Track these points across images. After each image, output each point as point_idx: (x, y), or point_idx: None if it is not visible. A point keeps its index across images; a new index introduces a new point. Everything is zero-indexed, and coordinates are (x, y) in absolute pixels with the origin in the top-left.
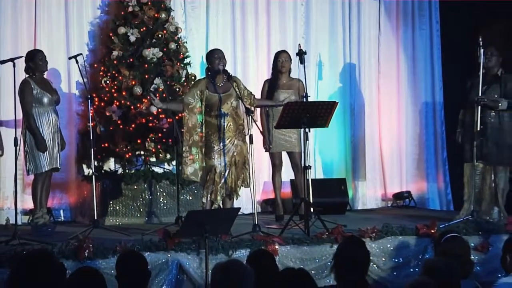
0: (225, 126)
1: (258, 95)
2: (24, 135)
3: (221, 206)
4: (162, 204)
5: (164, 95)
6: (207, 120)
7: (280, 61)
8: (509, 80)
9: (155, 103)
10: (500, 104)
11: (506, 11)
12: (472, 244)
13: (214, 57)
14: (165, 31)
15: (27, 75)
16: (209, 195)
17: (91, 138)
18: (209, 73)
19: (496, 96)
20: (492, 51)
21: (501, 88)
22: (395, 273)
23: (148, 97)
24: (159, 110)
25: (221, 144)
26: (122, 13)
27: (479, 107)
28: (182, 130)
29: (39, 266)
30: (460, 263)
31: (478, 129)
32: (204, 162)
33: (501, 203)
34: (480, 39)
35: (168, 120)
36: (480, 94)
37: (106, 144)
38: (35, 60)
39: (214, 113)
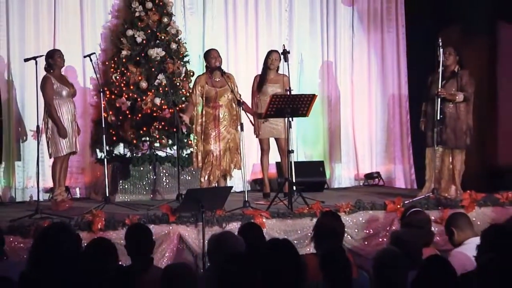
0: (221, 116)
1: (249, 88)
2: (46, 123)
3: (217, 185)
4: (164, 183)
5: (166, 89)
6: (206, 110)
7: (270, 59)
8: (465, 75)
9: (184, 118)
10: (457, 97)
11: (463, 17)
12: (433, 217)
13: (211, 57)
14: (167, 33)
15: (46, 72)
16: (206, 176)
17: (103, 126)
18: (208, 70)
19: (453, 89)
20: (450, 50)
21: (457, 83)
22: (366, 243)
23: (180, 121)
24: (162, 101)
25: (217, 132)
26: (130, 17)
27: (439, 99)
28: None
29: (58, 237)
30: (422, 233)
31: (438, 118)
32: (202, 147)
33: (458, 182)
34: (440, 40)
35: (170, 110)
36: (439, 88)
37: (116, 131)
38: (54, 57)
39: (212, 104)
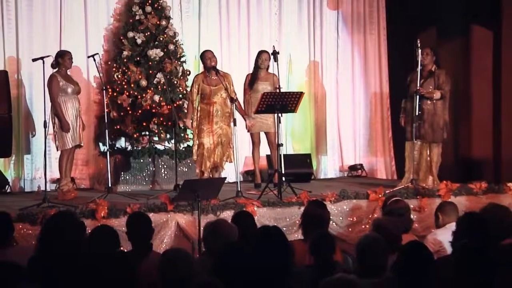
0: (214, 112)
1: (241, 85)
2: (53, 118)
3: (211, 176)
4: (163, 175)
5: (164, 87)
6: (201, 106)
7: (261, 59)
8: (441, 75)
9: (187, 124)
10: (434, 95)
11: (439, 20)
12: (412, 206)
13: (206, 57)
14: (165, 35)
15: (54, 70)
16: (199, 167)
17: (106, 121)
18: (205, 69)
19: (431, 87)
20: (427, 51)
21: (434, 81)
22: (350, 229)
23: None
24: (160, 98)
25: (210, 127)
26: (131, 20)
27: (418, 97)
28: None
29: (64, 224)
30: (402, 221)
31: (417, 114)
32: (197, 140)
33: (435, 173)
34: (418, 41)
35: (168, 107)
36: (418, 86)
37: (118, 126)
38: (64, 58)
39: (207, 101)
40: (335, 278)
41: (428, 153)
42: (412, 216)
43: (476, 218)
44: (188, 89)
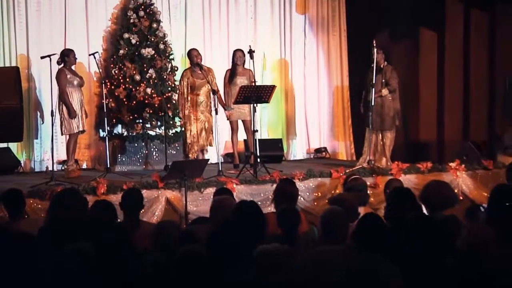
0: (199, 102)
1: (221, 79)
2: (60, 106)
3: (197, 157)
4: (154, 156)
5: (155, 81)
6: (190, 97)
7: (236, 57)
8: (388, 71)
9: (182, 115)
10: (383, 93)
11: (392, 23)
12: (368, 183)
13: (193, 55)
14: (156, 36)
15: (61, 65)
16: (187, 150)
17: (105, 111)
18: (192, 65)
19: (383, 81)
20: (379, 50)
21: (382, 76)
22: (315, 203)
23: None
24: (152, 91)
25: (195, 115)
26: (126, 23)
27: (373, 89)
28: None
29: (69, 199)
30: (360, 196)
31: (372, 104)
32: (188, 127)
33: (388, 155)
34: (374, 42)
35: (159, 98)
36: (373, 81)
37: (115, 115)
38: (70, 56)
39: (195, 92)
40: (262, 248)
41: (381, 138)
42: (368, 192)
43: (403, 192)
44: (176, 83)
